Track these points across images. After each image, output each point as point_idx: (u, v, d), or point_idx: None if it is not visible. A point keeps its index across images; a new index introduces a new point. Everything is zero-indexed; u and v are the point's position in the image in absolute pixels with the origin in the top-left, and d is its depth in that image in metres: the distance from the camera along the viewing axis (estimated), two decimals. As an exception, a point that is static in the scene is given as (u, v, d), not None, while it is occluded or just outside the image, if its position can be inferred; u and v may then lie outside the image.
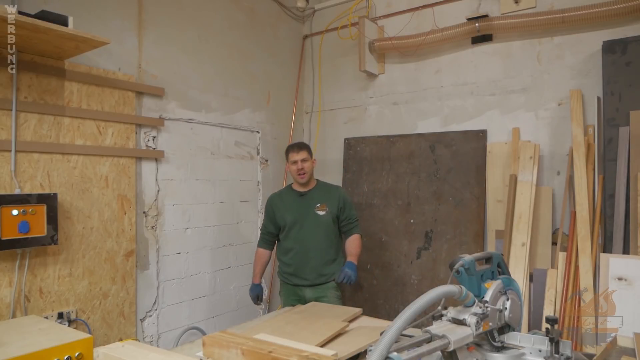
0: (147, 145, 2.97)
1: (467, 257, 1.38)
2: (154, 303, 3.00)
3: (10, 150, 2.27)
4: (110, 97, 2.72)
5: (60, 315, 2.45)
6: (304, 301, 2.87)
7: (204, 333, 3.23)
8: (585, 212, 2.81)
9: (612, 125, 2.80)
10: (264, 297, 3.29)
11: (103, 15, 2.72)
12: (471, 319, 1.27)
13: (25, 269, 2.31)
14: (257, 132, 3.86)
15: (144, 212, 2.95)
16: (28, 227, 2.21)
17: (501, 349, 1.40)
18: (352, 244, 2.99)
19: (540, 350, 1.39)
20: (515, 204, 3.07)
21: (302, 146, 3.00)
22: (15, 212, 2.16)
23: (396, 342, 1.05)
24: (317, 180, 3.10)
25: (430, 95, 3.69)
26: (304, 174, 2.93)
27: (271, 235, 3.08)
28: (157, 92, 3.02)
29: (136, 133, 2.89)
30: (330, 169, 4.18)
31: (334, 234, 3.00)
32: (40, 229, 2.26)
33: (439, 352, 1.21)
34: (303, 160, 2.93)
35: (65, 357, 1.54)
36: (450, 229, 3.50)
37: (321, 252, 2.94)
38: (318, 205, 2.96)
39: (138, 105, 2.91)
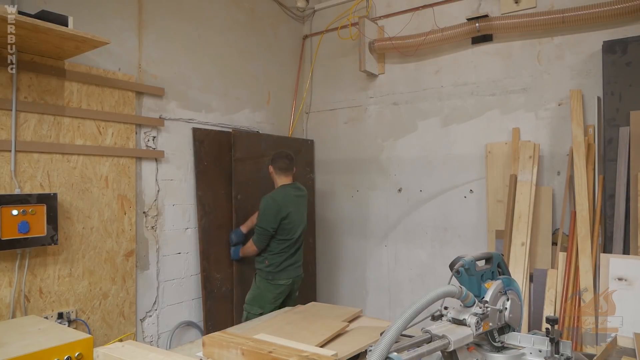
0: (147, 146, 2.97)
1: (467, 257, 1.38)
2: (154, 303, 3.00)
3: (10, 150, 2.27)
4: (110, 97, 2.72)
5: (60, 316, 2.45)
6: None
7: (198, 327, 3.24)
8: (585, 212, 2.81)
9: (612, 125, 2.80)
10: None
11: (103, 15, 2.72)
12: (471, 319, 1.27)
13: (25, 269, 2.31)
14: (257, 132, 3.86)
15: (144, 212, 2.95)
16: (28, 227, 2.21)
17: (501, 349, 1.40)
18: None
19: (540, 351, 1.38)
20: (515, 204, 3.07)
21: None
22: (15, 212, 2.16)
23: (396, 342, 1.04)
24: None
25: (430, 95, 3.69)
26: None
27: None
28: (157, 92, 3.02)
29: (136, 133, 2.89)
30: (331, 168, 4.18)
31: None
32: (40, 229, 2.26)
33: (439, 352, 1.21)
34: None
35: (65, 357, 1.55)
36: (450, 229, 3.49)
37: None
38: None
39: (138, 105, 2.91)
